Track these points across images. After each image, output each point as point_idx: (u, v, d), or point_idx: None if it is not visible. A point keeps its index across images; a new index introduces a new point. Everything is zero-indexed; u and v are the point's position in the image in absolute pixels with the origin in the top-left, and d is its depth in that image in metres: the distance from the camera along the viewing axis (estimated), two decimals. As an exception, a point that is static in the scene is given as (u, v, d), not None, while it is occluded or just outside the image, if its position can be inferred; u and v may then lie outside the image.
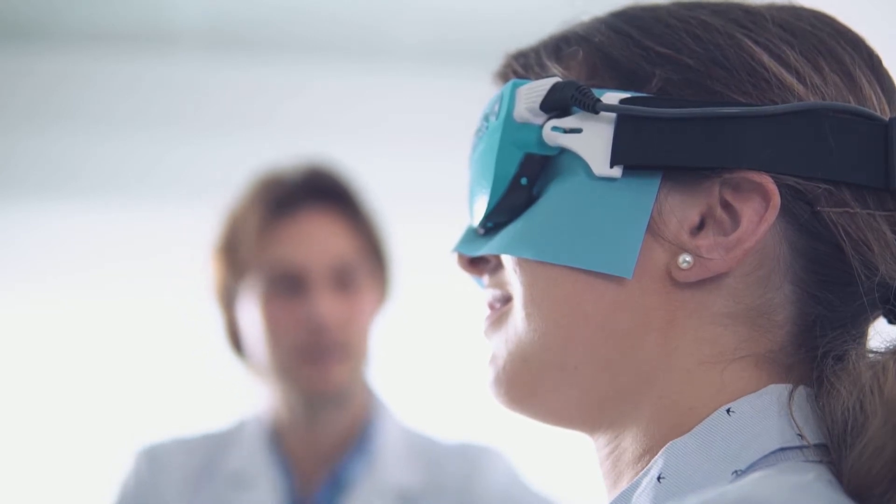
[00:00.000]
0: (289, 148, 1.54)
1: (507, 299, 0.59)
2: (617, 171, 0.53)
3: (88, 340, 2.90)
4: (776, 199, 0.51)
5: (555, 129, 0.55)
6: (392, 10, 2.83)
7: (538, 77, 0.58)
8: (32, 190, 2.94)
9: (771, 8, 0.56)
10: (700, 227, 0.53)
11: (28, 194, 2.95)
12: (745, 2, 0.57)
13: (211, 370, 2.25)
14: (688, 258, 0.52)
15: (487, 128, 0.58)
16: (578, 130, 0.54)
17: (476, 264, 0.62)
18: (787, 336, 0.53)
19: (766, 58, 0.53)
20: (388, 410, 1.44)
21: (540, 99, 0.55)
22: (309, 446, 1.40)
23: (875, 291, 0.53)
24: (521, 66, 0.60)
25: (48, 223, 2.96)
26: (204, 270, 1.44)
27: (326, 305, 1.34)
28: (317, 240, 1.37)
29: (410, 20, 2.87)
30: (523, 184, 0.56)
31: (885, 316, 0.55)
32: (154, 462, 1.39)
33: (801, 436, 0.49)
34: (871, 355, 0.51)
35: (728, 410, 0.51)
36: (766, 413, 0.50)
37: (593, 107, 0.53)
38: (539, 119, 0.55)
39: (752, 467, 0.49)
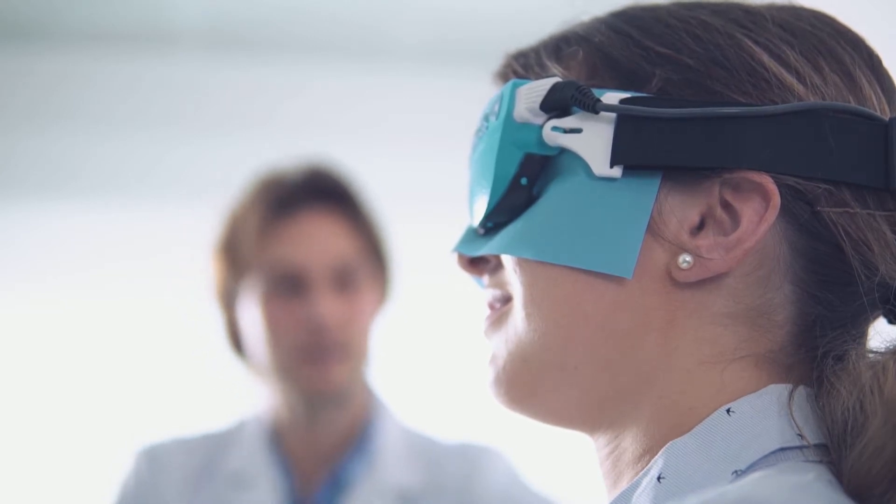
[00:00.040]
0: (289, 148, 1.54)
1: (507, 299, 0.59)
2: (617, 171, 0.53)
3: (88, 340, 2.90)
4: (776, 199, 0.51)
5: (555, 129, 0.55)
6: (392, 10, 2.83)
7: (538, 77, 0.58)
8: (32, 190, 2.94)
9: (771, 8, 0.56)
10: (700, 227, 0.53)
11: (28, 194, 2.95)
12: (745, 2, 0.57)
13: (211, 370, 2.25)
14: (688, 258, 0.52)
15: (487, 128, 0.58)
16: (578, 130, 0.54)
17: (476, 264, 0.62)
18: (787, 336, 0.53)
19: (766, 58, 0.53)
20: (388, 410, 1.44)
21: (540, 99, 0.55)
22: (309, 446, 1.40)
23: (875, 291, 0.53)
24: (521, 66, 0.60)
25: (48, 223, 2.96)
26: (204, 270, 1.44)
27: (327, 306, 1.34)
28: (317, 240, 1.37)
29: (410, 20, 2.87)
30: (523, 184, 0.56)
31: (885, 316, 0.55)
32: (154, 462, 1.39)
33: (801, 436, 0.49)
34: (871, 355, 0.51)
35: (728, 410, 0.51)
36: (766, 413, 0.50)
37: (593, 107, 0.53)
38: (539, 119, 0.55)
39: (752, 467, 0.49)
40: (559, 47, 0.59)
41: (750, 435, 0.50)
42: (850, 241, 0.52)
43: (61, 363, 2.88)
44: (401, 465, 1.39)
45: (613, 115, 0.53)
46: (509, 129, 0.56)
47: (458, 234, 0.63)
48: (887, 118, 0.53)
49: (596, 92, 0.54)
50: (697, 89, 0.53)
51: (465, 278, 0.64)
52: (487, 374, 0.59)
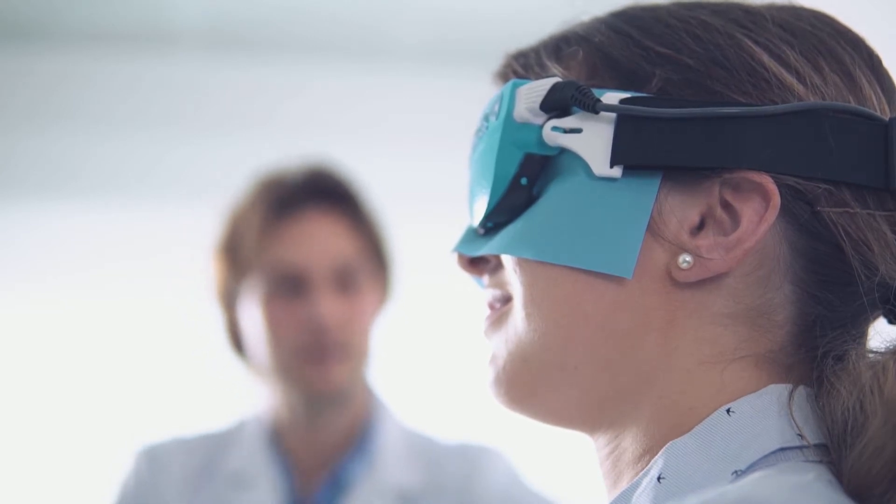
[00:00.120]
0: (289, 148, 1.54)
1: (507, 299, 0.59)
2: (617, 171, 0.53)
3: (88, 340, 2.90)
4: (776, 199, 0.51)
5: (555, 129, 0.55)
6: (392, 10, 2.83)
7: (538, 77, 0.58)
8: (32, 190, 2.94)
9: (771, 8, 0.56)
10: (700, 227, 0.53)
11: (28, 194, 2.95)
12: (745, 2, 0.57)
13: (211, 370, 2.25)
14: (688, 258, 0.52)
15: (487, 128, 0.58)
16: (578, 130, 0.54)
17: (476, 264, 0.62)
18: (787, 336, 0.53)
19: (766, 58, 0.53)
20: (388, 410, 1.44)
21: (540, 99, 0.55)
22: (309, 446, 1.40)
23: (875, 291, 0.53)
24: (521, 66, 0.60)
25: (48, 223, 2.96)
26: (205, 271, 1.44)
27: (327, 306, 1.34)
28: (318, 240, 1.37)
29: (410, 20, 2.87)
30: (523, 184, 0.56)
31: (885, 316, 0.55)
32: (154, 462, 1.39)
33: (801, 436, 0.49)
34: (871, 355, 0.51)
35: (728, 410, 0.51)
36: (766, 413, 0.50)
37: (593, 107, 0.53)
38: (539, 119, 0.55)
39: (752, 467, 0.49)
40: (559, 47, 0.59)
41: (750, 435, 0.50)
42: (850, 241, 0.52)
43: (61, 363, 2.88)
44: (401, 465, 1.39)
45: (613, 115, 0.53)
46: (509, 129, 0.56)
47: (458, 234, 0.63)
48: (887, 118, 0.53)
49: (596, 92, 0.54)
50: (697, 89, 0.53)
51: (465, 278, 0.64)
52: (487, 374, 0.59)
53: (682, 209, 0.53)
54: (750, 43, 0.53)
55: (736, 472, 0.48)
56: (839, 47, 0.54)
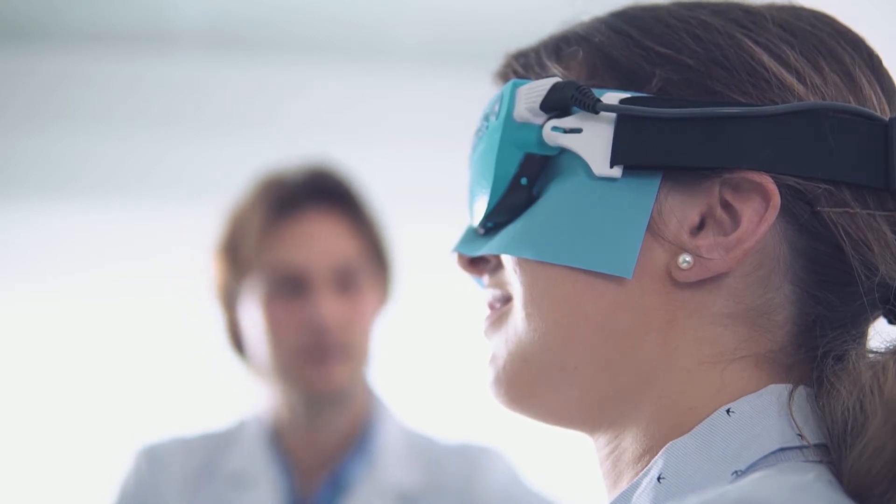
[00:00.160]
0: (289, 148, 1.54)
1: (507, 299, 0.59)
2: (617, 171, 0.53)
3: (88, 340, 2.90)
4: (776, 199, 0.51)
5: (555, 129, 0.55)
6: (392, 10, 2.83)
7: (538, 77, 0.58)
8: (32, 190, 2.94)
9: (771, 8, 0.56)
10: (700, 227, 0.53)
11: (28, 194, 2.95)
12: (745, 2, 0.57)
13: (211, 370, 2.25)
14: (688, 258, 0.52)
15: (487, 128, 0.58)
16: (578, 130, 0.54)
17: (476, 264, 0.62)
18: (787, 336, 0.53)
19: (766, 58, 0.53)
20: (388, 410, 1.44)
21: (540, 99, 0.55)
22: (309, 446, 1.40)
23: (875, 291, 0.53)
24: (521, 66, 0.60)
25: (48, 223, 2.96)
26: (205, 271, 1.44)
27: (328, 306, 1.34)
28: (319, 241, 1.37)
29: (410, 20, 2.87)
30: (523, 184, 0.56)
31: (885, 316, 0.55)
32: (154, 462, 1.39)
33: (801, 436, 0.49)
34: (871, 355, 0.51)
35: (728, 410, 0.51)
36: (766, 413, 0.50)
37: (593, 107, 0.53)
38: (539, 119, 0.55)
39: (752, 467, 0.49)
40: (559, 47, 0.59)
41: (750, 435, 0.50)
42: (850, 241, 0.52)
43: (61, 363, 2.88)
44: (401, 465, 1.39)
45: (613, 115, 0.53)
46: (509, 129, 0.56)
47: (458, 234, 0.63)
48: (887, 118, 0.53)
49: (596, 92, 0.54)
50: (697, 89, 0.53)
51: (465, 278, 0.64)
52: (487, 374, 0.59)
53: (682, 209, 0.53)
54: (750, 43, 0.53)
55: (736, 472, 0.48)
56: (839, 47, 0.54)
